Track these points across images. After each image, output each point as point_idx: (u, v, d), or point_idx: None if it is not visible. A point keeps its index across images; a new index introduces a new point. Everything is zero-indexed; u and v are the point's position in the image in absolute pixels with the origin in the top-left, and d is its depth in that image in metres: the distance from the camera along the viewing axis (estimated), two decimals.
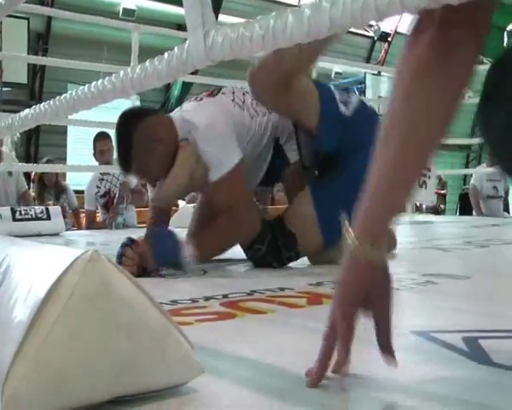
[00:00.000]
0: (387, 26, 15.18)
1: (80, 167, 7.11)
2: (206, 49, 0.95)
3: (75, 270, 0.71)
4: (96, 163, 5.00)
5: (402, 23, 14.52)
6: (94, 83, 1.23)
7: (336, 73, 14.81)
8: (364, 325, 0.84)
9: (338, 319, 0.82)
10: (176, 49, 0.99)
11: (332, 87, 2.26)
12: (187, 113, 2.14)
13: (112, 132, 5.03)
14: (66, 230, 4.58)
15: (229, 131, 2.06)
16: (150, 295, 0.78)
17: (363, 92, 13.97)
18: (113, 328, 0.71)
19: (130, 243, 1.90)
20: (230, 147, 2.04)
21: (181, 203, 7.46)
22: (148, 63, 1.05)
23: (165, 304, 1.40)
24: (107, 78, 1.18)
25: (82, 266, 0.71)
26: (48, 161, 5.67)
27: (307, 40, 0.73)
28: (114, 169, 4.90)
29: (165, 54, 1.02)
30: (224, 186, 2.02)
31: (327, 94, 2.14)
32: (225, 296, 1.50)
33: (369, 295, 0.84)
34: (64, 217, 4.75)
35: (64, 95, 1.35)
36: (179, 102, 13.58)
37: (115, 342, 0.71)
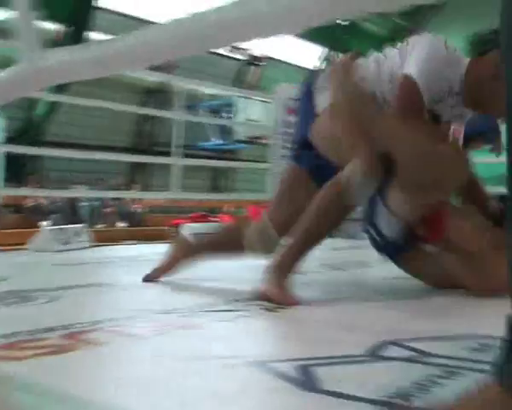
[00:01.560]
0: (258, 50, 15.58)
1: None
2: (35, 72, 0.92)
3: None
4: None
5: (274, 48, 15.00)
6: None
7: (210, 94, 14.88)
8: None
9: None
10: (2, 72, 0.95)
11: None
12: None
13: None
14: None
15: None
16: None
17: (231, 114, 14.34)
18: None
19: None
20: None
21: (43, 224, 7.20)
22: None
23: None
24: None
25: None
26: None
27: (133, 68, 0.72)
28: None
29: None
30: None
31: None
32: (67, 328, 1.42)
33: None
34: None
35: None
36: (45, 119, 13.09)
37: None
